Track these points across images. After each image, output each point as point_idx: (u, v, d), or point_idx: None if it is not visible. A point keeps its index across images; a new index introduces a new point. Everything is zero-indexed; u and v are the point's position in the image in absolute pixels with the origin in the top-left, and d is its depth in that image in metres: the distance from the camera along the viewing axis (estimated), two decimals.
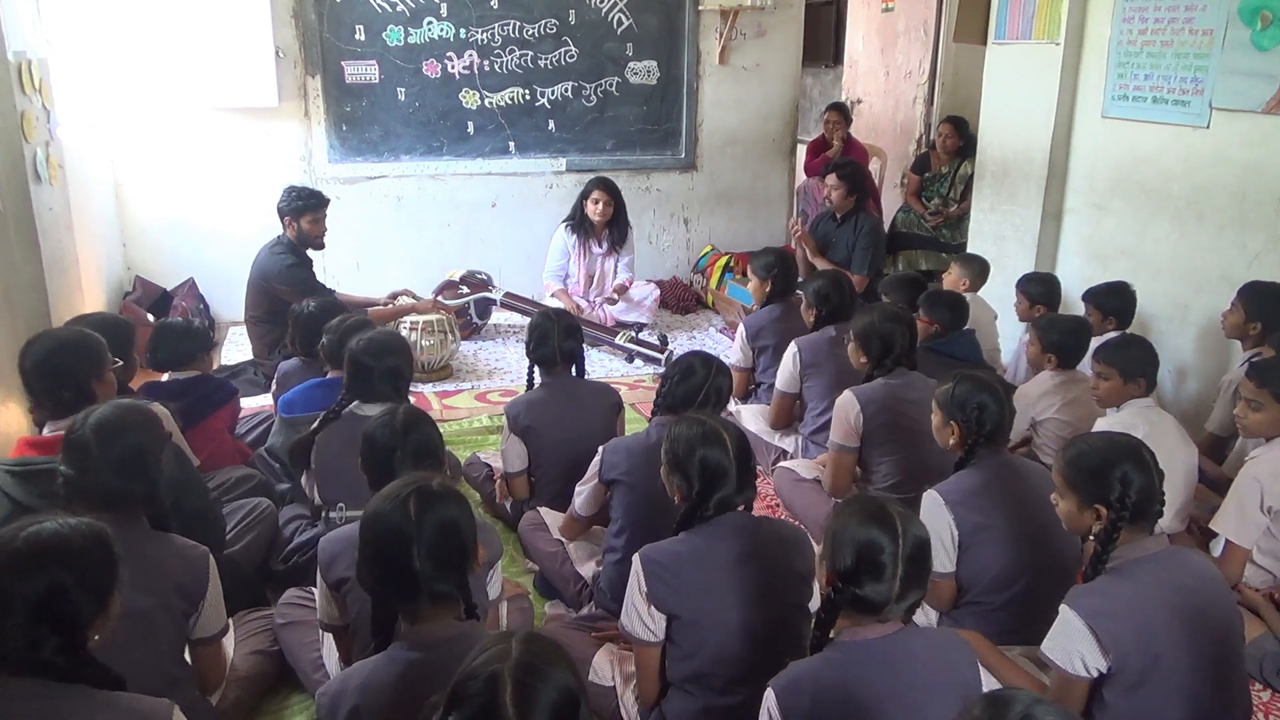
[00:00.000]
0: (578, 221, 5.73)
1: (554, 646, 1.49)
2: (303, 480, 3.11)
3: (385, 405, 2.82)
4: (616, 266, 5.82)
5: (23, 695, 1.59)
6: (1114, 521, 2.10)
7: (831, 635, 1.85)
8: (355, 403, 2.95)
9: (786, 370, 3.83)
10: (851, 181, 5.43)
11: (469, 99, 6.13)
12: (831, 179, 5.46)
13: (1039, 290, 4.27)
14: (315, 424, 2.98)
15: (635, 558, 2.23)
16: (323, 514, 2.86)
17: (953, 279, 4.79)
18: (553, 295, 5.80)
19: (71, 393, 2.72)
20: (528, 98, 6.22)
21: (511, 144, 6.28)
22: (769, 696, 1.80)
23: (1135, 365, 3.17)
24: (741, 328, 4.40)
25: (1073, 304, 4.67)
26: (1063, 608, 2.08)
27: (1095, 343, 3.52)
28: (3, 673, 1.60)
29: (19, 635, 1.59)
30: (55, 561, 1.64)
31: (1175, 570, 2.11)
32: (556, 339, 3.32)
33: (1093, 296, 3.95)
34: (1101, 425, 3.09)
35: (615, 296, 5.73)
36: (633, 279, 5.90)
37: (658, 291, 6.11)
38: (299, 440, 3.02)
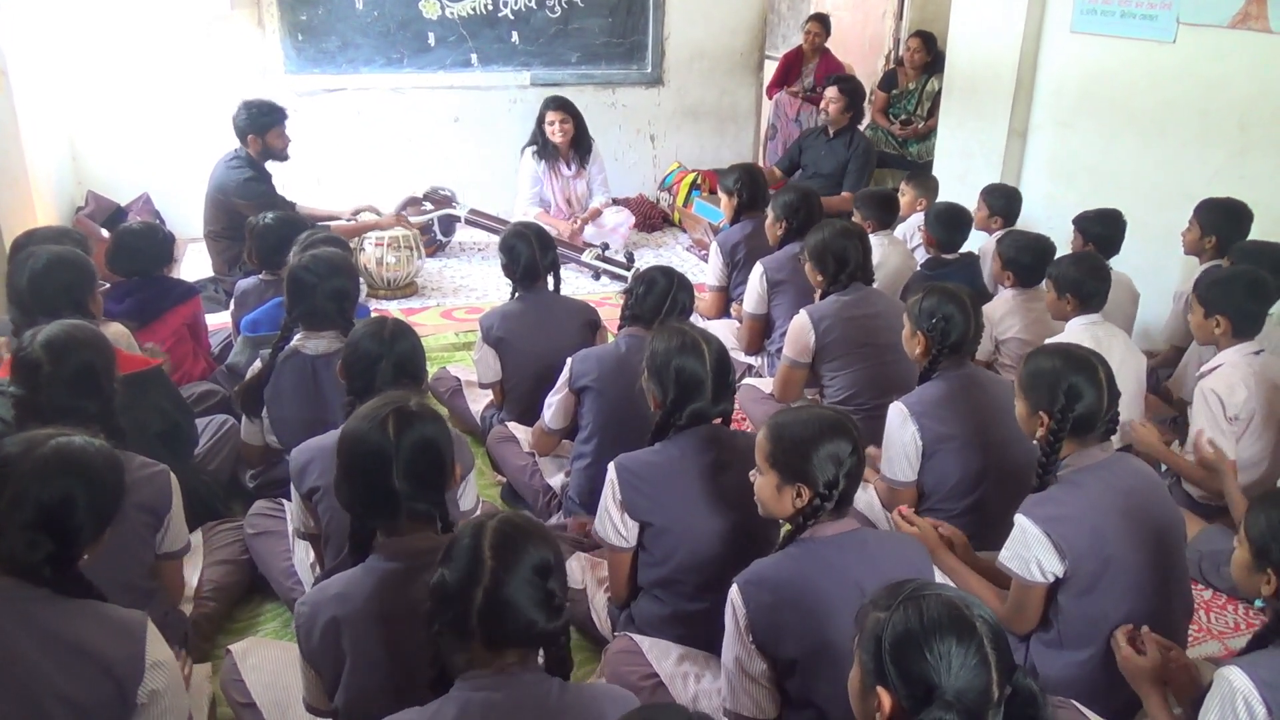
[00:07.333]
0: (541, 146, 5.57)
1: (535, 520, 1.60)
2: (246, 424, 2.87)
3: (332, 335, 2.76)
4: (590, 186, 5.74)
5: (6, 594, 1.63)
6: (1055, 431, 2.16)
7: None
8: (301, 336, 2.81)
9: (754, 292, 3.83)
10: (852, 96, 5.40)
11: (429, 8, 5.95)
12: (832, 91, 5.39)
13: (1000, 203, 4.26)
14: (263, 364, 2.80)
15: (610, 466, 2.26)
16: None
17: (909, 200, 4.78)
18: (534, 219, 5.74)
19: (71, 311, 2.60)
20: (490, 8, 6.05)
21: (473, 56, 6.13)
22: (733, 591, 1.86)
23: (1066, 283, 3.19)
24: (714, 245, 4.36)
25: (1035, 223, 4.71)
26: (1018, 517, 2.14)
27: None
28: None
29: (21, 536, 1.63)
30: (74, 474, 1.70)
31: (1121, 475, 2.18)
32: (537, 252, 3.29)
33: (1080, 220, 3.84)
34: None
35: (584, 220, 5.64)
36: (609, 198, 5.83)
37: (632, 219, 5.98)
38: (248, 383, 2.84)
